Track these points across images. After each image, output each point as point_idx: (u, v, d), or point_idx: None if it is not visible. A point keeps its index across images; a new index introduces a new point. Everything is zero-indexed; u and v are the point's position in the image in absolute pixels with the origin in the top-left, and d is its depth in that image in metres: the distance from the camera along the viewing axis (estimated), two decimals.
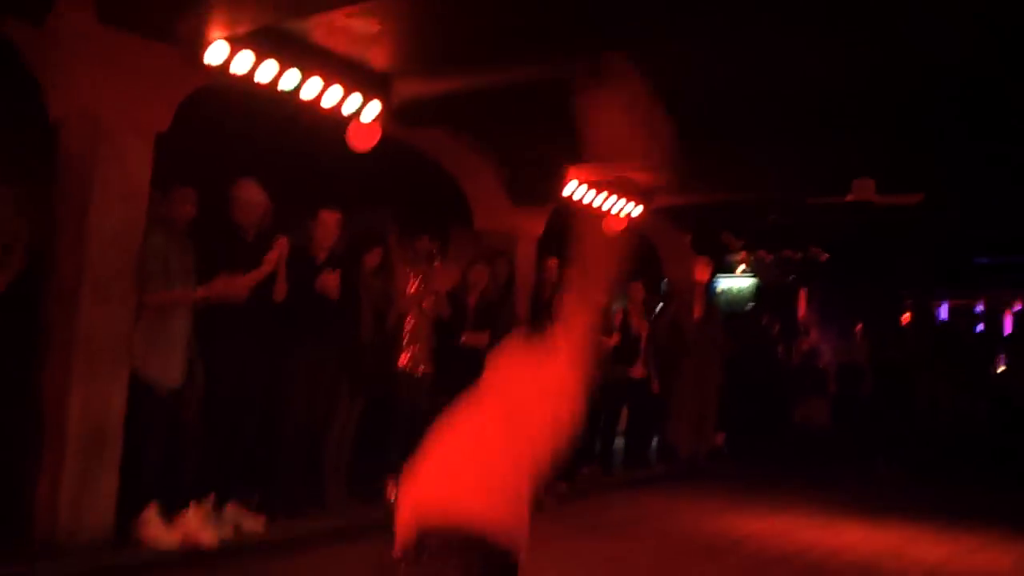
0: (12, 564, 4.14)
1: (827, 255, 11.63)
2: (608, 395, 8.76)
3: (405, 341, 6.57)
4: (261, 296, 5.43)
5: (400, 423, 6.56)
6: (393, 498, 6.39)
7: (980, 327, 12.58)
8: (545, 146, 7.57)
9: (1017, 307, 12.70)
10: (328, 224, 5.89)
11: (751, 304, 12.16)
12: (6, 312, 4.42)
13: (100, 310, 4.73)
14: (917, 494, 8.97)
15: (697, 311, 10.58)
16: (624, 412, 9.29)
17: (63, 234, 4.77)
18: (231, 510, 5.29)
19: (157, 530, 4.78)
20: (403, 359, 6.55)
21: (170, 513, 4.90)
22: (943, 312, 13.68)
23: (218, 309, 5.24)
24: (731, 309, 11.93)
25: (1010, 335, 12.03)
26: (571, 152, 7.76)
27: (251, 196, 5.47)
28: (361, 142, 6.54)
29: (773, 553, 6.16)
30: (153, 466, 4.88)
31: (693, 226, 10.37)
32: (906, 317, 11.93)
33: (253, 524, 5.33)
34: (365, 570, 4.90)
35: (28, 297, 4.69)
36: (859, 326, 11.97)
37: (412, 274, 6.68)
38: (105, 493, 4.70)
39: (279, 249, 5.40)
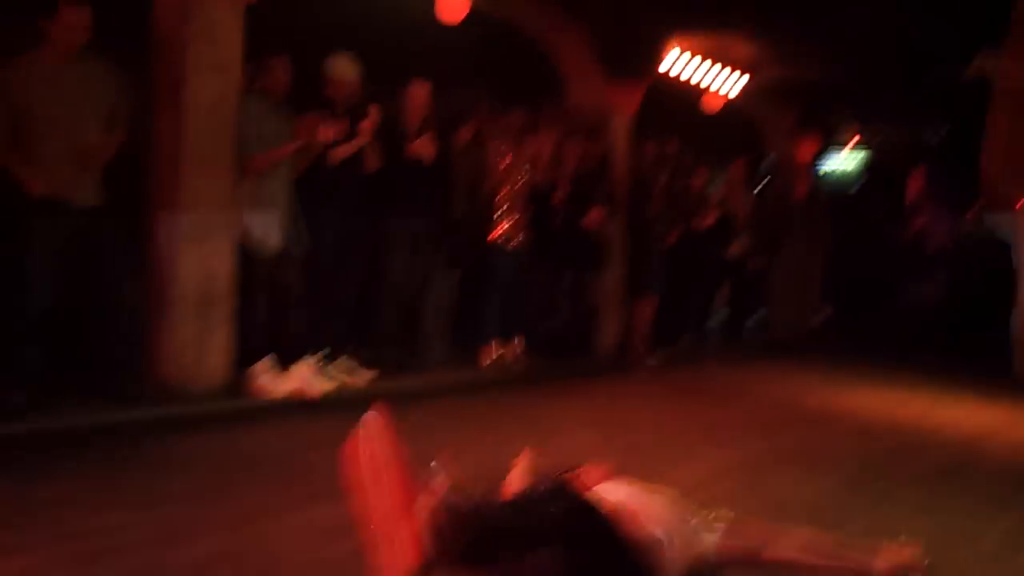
0: (135, 409, 4.41)
1: (942, 134, 11.01)
2: (709, 272, 8.66)
3: (498, 215, 6.57)
4: (355, 168, 5.49)
5: (494, 295, 6.64)
6: (488, 362, 6.55)
7: None
8: (643, 14, 7.28)
9: None
10: (419, 95, 5.86)
11: (859, 185, 11.65)
12: (115, 181, 4.58)
13: (202, 178, 4.87)
14: None
15: (801, 191, 10.22)
16: (726, 286, 9.19)
17: (162, 107, 4.90)
18: (338, 365, 5.51)
19: (269, 381, 5.02)
20: (496, 232, 6.57)
21: (281, 366, 5.12)
22: None
23: (317, 180, 5.35)
24: (837, 190, 11.47)
25: None
26: (671, 20, 7.46)
27: (343, 72, 5.48)
28: (451, 14, 6.44)
29: (876, 425, 6.05)
30: (262, 323, 5.09)
31: (799, 102, 9.89)
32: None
33: (358, 379, 5.53)
34: (463, 421, 5.11)
35: (133, 167, 4.86)
36: (972, 209, 11.36)
37: (504, 148, 6.62)
38: (218, 347, 4.95)
39: (372, 118, 5.43)
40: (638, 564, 2.22)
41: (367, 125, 5.41)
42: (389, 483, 2.31)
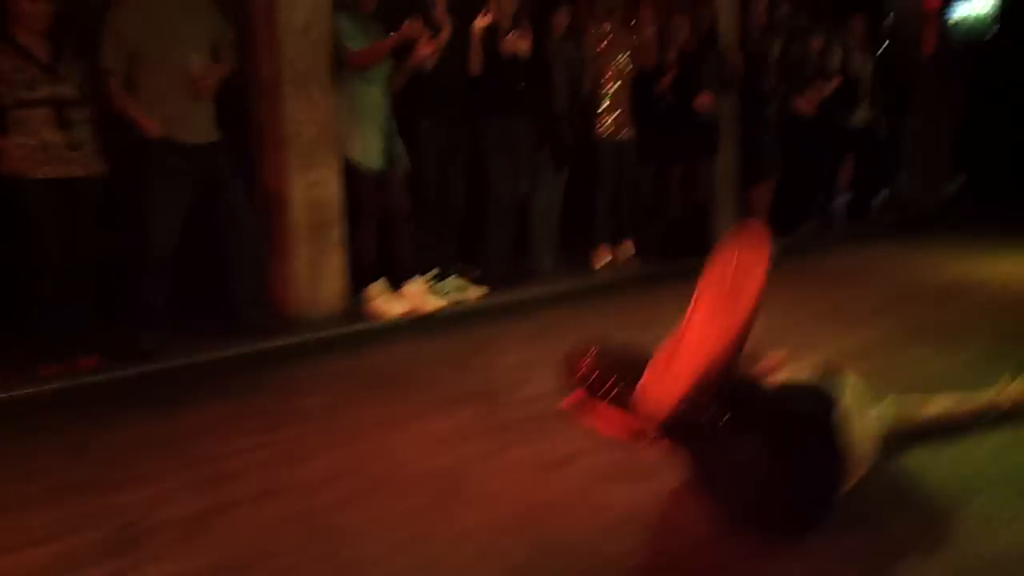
0: (257, 340, 4.59)
1: None
2: (830, 143, 8.18)
3: (604, 106, 6.38)
4: (450, 73, 5.41)
5: (603, 195, 6.51)
6: (599, 266, 6.49)
7: None
8: None
9: None
10: None
11: (993, 31, 10.67)
12: (227, 114, 4.65)
13: (303, 103, 4.91)
14: None
15: (929, 44, 9.45)
16: (849, 161, 8.67)
17: (257, 32, 4.92)
18: (451, 282, 5.57)
19: (383, 302, 5.12)
20: (603, 125, 6.39)
21: (395, 287, 5.22)
22: None
23: (414, 93, 5.30)
24: (970, 39, 10.55)
25: None
26: None
27: None
28: None
29: (1013, 296, 5.69)
30: (372, 245, 5.16)
31: None
32: None
33: (472, 294, 5.59)
34: (580, 329, 5.10)
35: (241, 94, 4.94)
36: None
37: (603, 33, 6.38)
38: (333, 273, 5.07)
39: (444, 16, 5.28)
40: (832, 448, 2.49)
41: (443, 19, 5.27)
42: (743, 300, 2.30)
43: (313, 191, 4.98)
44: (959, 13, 10.62)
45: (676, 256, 6.72)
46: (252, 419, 3.69)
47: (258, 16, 4.89)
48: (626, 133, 6.48)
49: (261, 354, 4.51)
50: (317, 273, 5.03)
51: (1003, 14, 10.59)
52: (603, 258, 6.54)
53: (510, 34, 5.59)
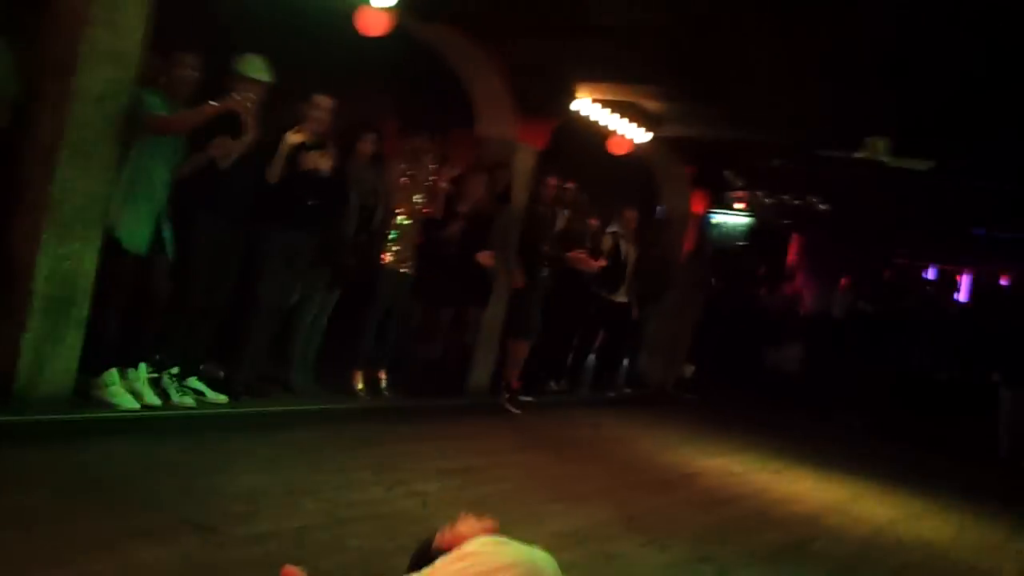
0: None
1: (826, 205, 11.54)
2: (588, 315, 8.81)
3: (391, 238, 6.50)
4: (246, 173, 5.33)
5: (375, 318, 6.56)
6: (354, 392, 6.48)
7: (961, 296, 12.62)
8: (557, 59, 7.37)
9: (1004, 280, 12.69)
10: (321, 107, 5.71)
11: (742, 243, 12.10)
12: None
13: (78, 171, 4.58)
14: (872, 451, 9.13)
15: (688, 243, 10.53)
16: (600, 334, 9.34)
17: (47, 92, 4.58)
18: (196, 381, 5.33)
19: (116, 392, 4.79)
20: (387, 256, 6.50)
21: (134, 377, 4.91)
22: (930, 275, 13.70)
23: (203, 183, 5.16)
24: (722, 245, 11.88)
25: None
26: (581, 68, 7.58)
27: (255, 72, 5.28)
28: (370, 27, 6.33)
29: (722, 493, 6.28)
30: (115, 330, 4.86)
31: (696, 159, 10.20)
32: (888, 275, 11.95)
33: (216, 398, 5.37)
34: (316, 455, 5.02)
35: (8, 155, 4.57)
36: (845, 279, 12.00)
37: (405, 170, 6.57)
38: (67, 352, 4.67)
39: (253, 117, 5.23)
40: None
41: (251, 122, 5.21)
42: None
43: (63, 264, 4.63)
44: (718, 219, 11.97)
45: (427, 394, 6.87)
46: None
47: (53, 75, 4.57)
48: (408, 267, 6.62)
49: None
50: (50, 350, 4.62)
51: (752, 231, 12.06)
52: (359, 384, 6.52)
53: (313, 152, 5.61)
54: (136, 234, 4.86)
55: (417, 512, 4.42)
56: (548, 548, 3.84)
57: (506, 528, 4.25)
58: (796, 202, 11.44)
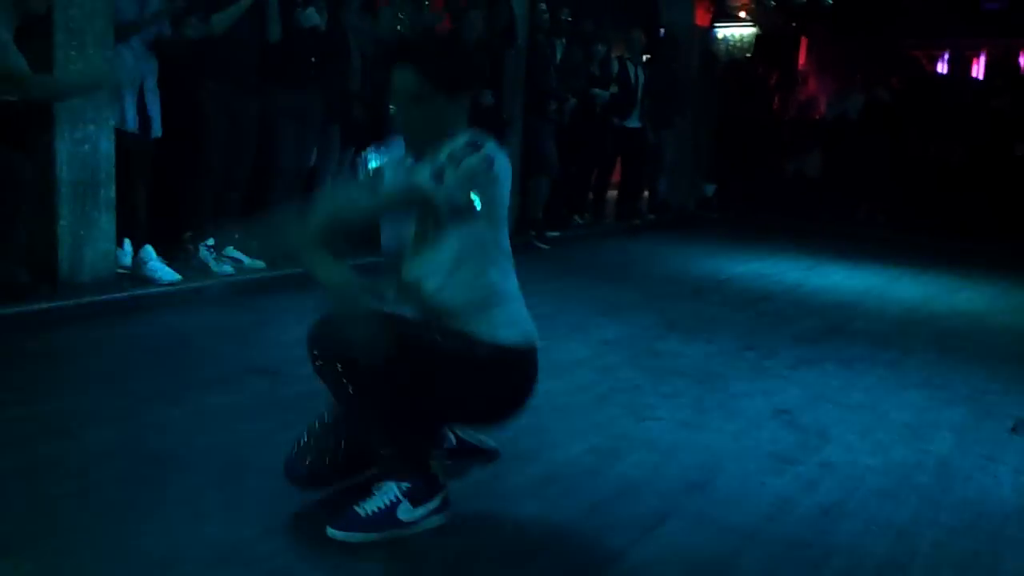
0: (18, 303, 4.25)
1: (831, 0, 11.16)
2: (604, 146, 8.73)
3: None
4: (246, 37, 5.24)
5: None
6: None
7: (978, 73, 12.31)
8: None
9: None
10: None
11: (750, 53, 11.79)
12: None
13: (75, 54, 4.56)
14: (900, 241, 9.18)
15: (696, 59, 10.29)
16: (619, 163, 9.29)
17: None
18: (233, 250, 5.43)
19: (157, 268, 4.90)
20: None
21: (170, 252, 5.01)
22: (943, 63, 13.34)
23: (204, 51, 5.09)
24: (730, 58, 11.59)
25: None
26: None
27: None
28: None
29: (757, 292, 6.39)
30: (142, 207, 4.92)
31: None
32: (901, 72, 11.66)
33: (254, 264, 5.48)
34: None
35: None
36: (857, 77, 11.72)
37: (400, 14, 6.41)
38: (102, 235, 4.77)
39: None
40: None
41: None
42: None
43: (81, 148, 4.65)
44: (723, 33, 11.63)
45: None
46: (14, 388, 3.42)
47: None
48: None
49: (21, 318, 4.17)
50: (84, 235, 4.71)
51: (759, 39, 11.72)
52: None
53: (307, 6, 5.48)
54: (127, 110, 4.86)
55: None
56: (597, 350, 3.99)
57: (556, 341, 4.42)
58: (801, 1, 11.05)
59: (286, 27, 5.41)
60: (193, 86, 5.12)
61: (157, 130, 5.04)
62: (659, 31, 10.14)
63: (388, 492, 2.39)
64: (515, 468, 2.95)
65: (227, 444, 3.00)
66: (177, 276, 4.94)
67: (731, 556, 2.48)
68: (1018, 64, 12.17)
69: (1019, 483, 3.12)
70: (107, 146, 4.75)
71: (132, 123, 4.92)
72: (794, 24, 12.21)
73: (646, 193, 9.97)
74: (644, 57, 9.06)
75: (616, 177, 9.46)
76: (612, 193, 9.60)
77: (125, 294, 4.73)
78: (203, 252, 5.23)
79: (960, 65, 12.90)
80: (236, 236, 5.54)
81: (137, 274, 4.90)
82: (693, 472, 3.04)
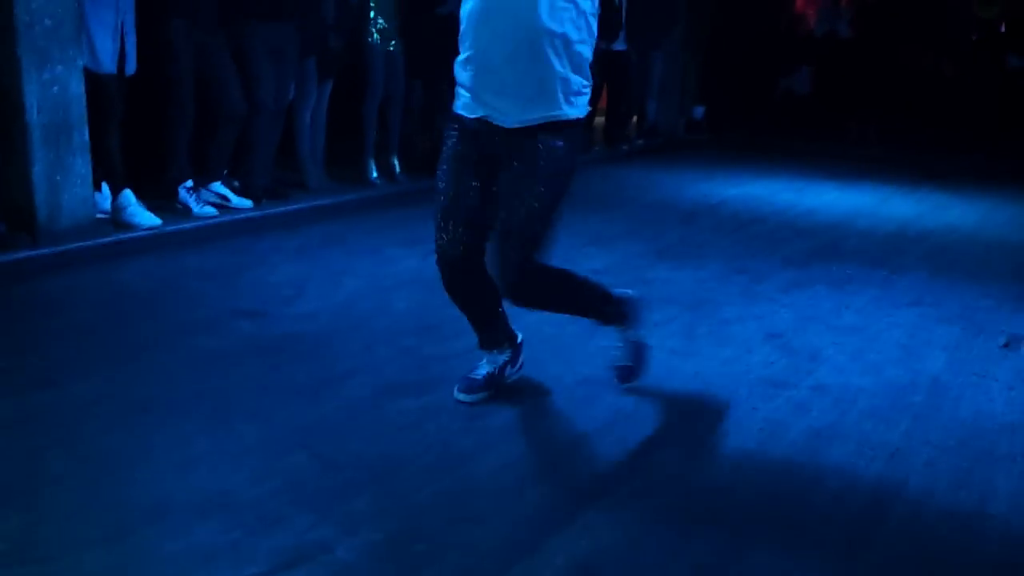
0: None
1: None
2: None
3: (372, 16, 6.22)
4: None
5: (374, 104, 6.42)
6: (374, 177, 6.46)
7: None
8: None
9: None
10: None
11: None
12: None
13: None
14: (892, 158, 9.08)
15: None
16: (604, 88, 9.10)
17: None
18: (221, 187, 5.34)
19: (137, 212, 4.81)
20: (372, 34, 6.25)
21: (152, 196, 4.92)
22: None
23: None
24: None
25: None
26: None
27: None
28: None
29: (748, 215, 6.32)
30: (117, 150, 4.80)
31: None
32: None
33: (242, 203, 5.40)
34: (352, 238, 5.09)
35: None
36: None
37: None
38: (78, 180, 4.65)
39: None
40: None
41: None
42: None
43: (50, 90, 4.51)
44: None
45: None
46: (1, 337, 3.39)
47: None
48: (396, 43, 6.39)
49: (0, 268, 4.10)
50: (60, 180, 4.59)
51: None
52: (371, 172, 6.49)
53: None
54: (94, 54, 4.69)
55: None
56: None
57: None
58: None
59: None
60: (162, 25, 4.94)
61: (132, 67, 4.89)
62: None
63: (494, 360, 2.99)
64: (508, 400, 2.93)
65: (214, 389, 2.97)
66: (158, 220, 4.85)
67: (725, 482, 2.47)
68: None
69: (1011, 399, 3.12)
70: (77, 87, 4.60)
71: (108, 64, 4.75)
72: None
73: (635, 118, 9.81)
74: None
75: (604, 103, 9.28)
76: (599, 119, 9.45)
77: (107, 240, 4.65)
78: (183, 194, 5.13)
79: None
80: (224, 173, 5.44)
81: (117, 220, 4.80)
82: (685, 400, 3.04)
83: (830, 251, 5.27)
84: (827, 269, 4.80)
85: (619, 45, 8.72)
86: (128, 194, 4.84)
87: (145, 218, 4.83)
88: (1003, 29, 10.04)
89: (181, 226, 4.97)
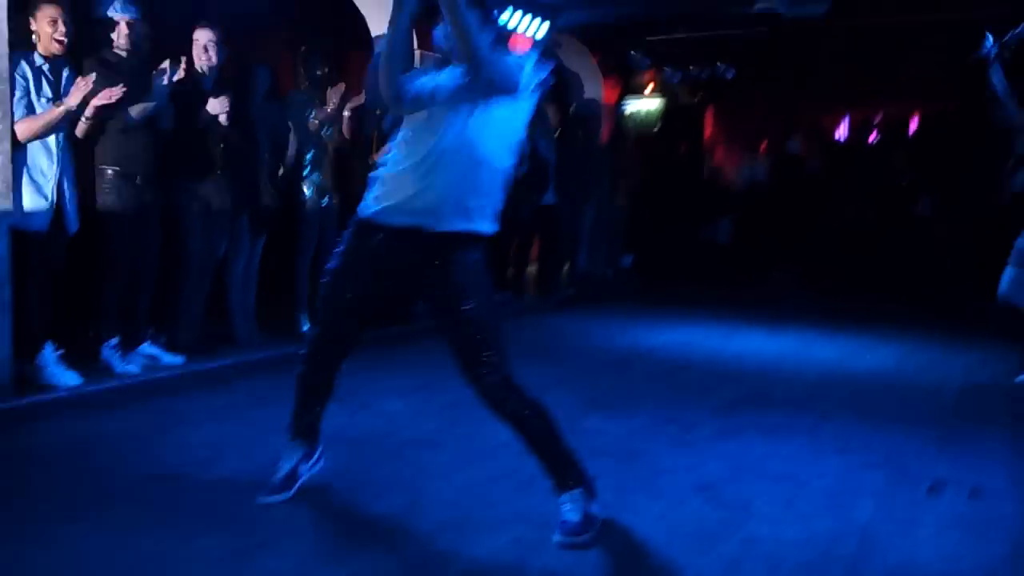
0: None
1: (733, 72, 11.58)
2: (520, 223, 8.78)
3: (306, 171, 6.36)
4: (150, 128, 5.14)
5: (307, 257, 6.46)
6: (304, 331, 6.42)
7: (873, 137, 12.87)
8: None
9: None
10: (202, 43, 5.48)
11: (659, 125, 12.13)
12: None
13: None
14: (812, 302, 9.41)
15: (606, 133, 10.53)
16: (535, 239, 9.34)
17: None
18: (150, 347, 5.25)
19: (58, 372, 4.67)
20: (306, 191, 6.36)
21: (73, 354, 4.80)
22: (844, 127, 13.93)
23: (107, 144, 4.98)
24: (639, 131, 11.90)
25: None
26: None
27: (118, 13, 5.04)
28: None
29: (677, 362, 6.42)
30: (42, 309, 4.70)
31: (600, 44, 10.11)
32: (802, 135, 12.16)
33: (173, 360, 5.30)
34: (279, 394, 4.97)
35: None
36: (763, 145, 12.16)
37: (310, 100, 6.38)
38: None
39: (167, 77, 5.02)
40: None
41: (163, 83, 5.00)
42: None
43: None
44: (631, 107, 11.95)
45: (374, 324, 6.82)
46: None
47: None
48: (330, 199, 6.50)
49: None
50: None
51: (666, 112, 12.08)
52: (301, 325, 6.45)
53: (208, 99, 5.41)
54: (28, 211, 4.67)
55: (385, 429, 4.46)
56: (514, 438, 3.90)
57: (474, 427, 4.33)
58: (704, 74, 11.45)
59: (186, 116, 5.32)
60: (94, 180, 4.97)
61: (74, 225, 4.85)
62: (569, 108, 10.36)
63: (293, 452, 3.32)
64: (436, 563, 2.84)
65: (124, 563, 2.81)
66: (78, 379, 4.71)
67: None
68: (907, 126, 12.81)
69: (939, 545, 3.14)
70: (2, 246, 4.55)
71: (40, 222, 4.71)
72: (699, 97, 12.63)
73: (566, 267, 10.04)
74: (555, 134, 9.20)
75: (535, 254, 9.51)
76: (531, 269, 9.65)
77: (21, 402, 4.48)
78: (106, 352, 5.02)
79: (859, 131, 13.46)
80: (151, 331, 5.35)
81: (37, 379, 4.65)
82: (617, 559, 2.98)
83: (758, 397, 5.35)
84: (755, 416, 4.85)
85: (549, 198, 9.02)
86: (47, 353, 4.70)
87: (65, 377, 4.69)
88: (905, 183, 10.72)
89: (102, 386, 4.83)
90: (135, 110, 4.94)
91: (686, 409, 4.97)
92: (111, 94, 4.69)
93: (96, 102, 4.69)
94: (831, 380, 5.94)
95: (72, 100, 4.58)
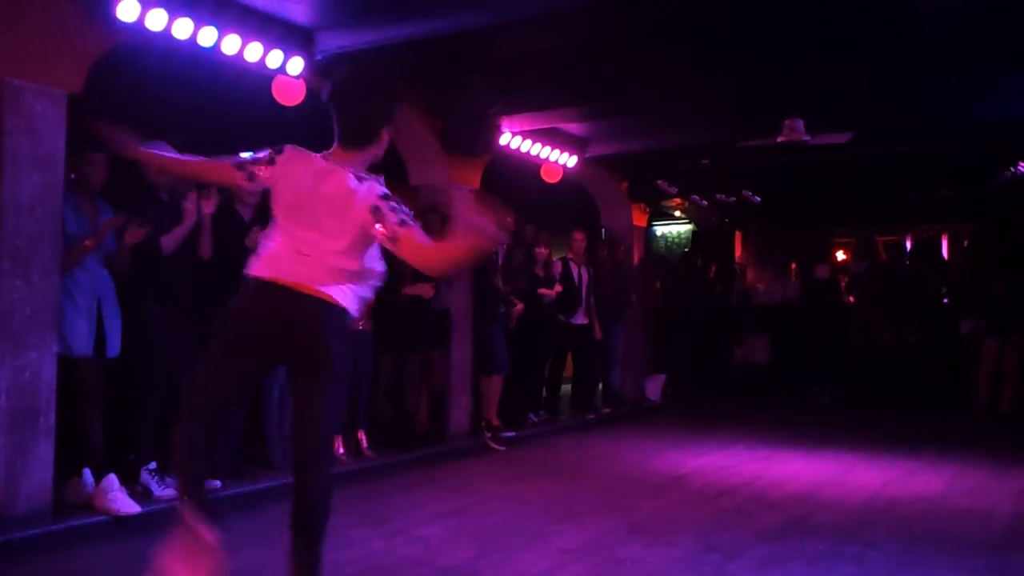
0: None
1: (760, 198, 11.81)
2: (553, 343, 8.86)
3: None
4: (189, 257, 5.32)
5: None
6: (340, 453, 6.42)
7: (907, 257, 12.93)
8: (476, 97, 7.50)
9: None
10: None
11: (688, 248, 12.30)
12: None
13: (19, 282, 4.56)
14: (854, 424, 9.25)
15: (636, 256, 10.68)
16: (569, 359, 9.39)
17: None
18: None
19: (117, 497, 4.71)
20: None
21: (114, 480, 4.83)
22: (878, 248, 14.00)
23: (148, 273, 5.16)
24: (669, 254, 12.05)
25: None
26: (502, 103, 7.73)
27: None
28: (287, 97, 6.40)
29: (717, 486, 6.30)
30: (94, 434, 4.79)
31: (628, 173, 10.40)
32: (837, 257, 12.24)
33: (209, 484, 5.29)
34: None
35: None
36: (793, 265, 12.26)
37: None
38: (39, 464, 4.58)
39: (194, 201, 5.24)
40: None
41: (192, 207, 5.24)
42: None
43: (21, 376, 4.56)
44: (661, 230, 12.16)
45: (410, 446, 6.84)
46: None
47: None
48: (364, 324, 6.61)
49: None
50: (20, 465, 4.52)
51: (694, 236, 12.27)
52: (338, 448, 6.45)
53: (252, 232, 5.60)
54: (72, 337, 4.82)
55: (420, 556, 4.39)
56: (557, 563, 3.86)
57: (512, 553, 4.27)
58: (731, 199, 11.67)
59: (221, 244, 5.51)
60: (138, 308, 5.12)
61: (115, 349, 4.99)
62: (600, 232, 10.57)
63: None
64: None
65: None
66: (136, 508, 4.74)
67: None
68: (940, 246, 12.87)
69: None
70: (49, 371, 4.66)
71: (84, 347, 4.86)
72: (727, 220, 12.84)
73: (600, 387, 10.02)
74: (586, 256, 9.38)
75: (569, 371, 9.53)
76: (566, 388, 9.64)
77: (59, 527, 4.49)
78: (145, 476, 5.05)
79: (892, 252, 13.55)
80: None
81: (99, 504, 4.68)
82: None
83: (801, 524, 5.22)
84: (800, 544, 4.73)
85: (579, 319, 9.11)
86: (112, 479, 4.75)
87: (124, 504, 4.72)
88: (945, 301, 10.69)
89: (141, 510, 4.83)
90: (168, 239, 5.15)
91: (728, 537, 4.86)
92: (138, 234, 4.96)
93: (128, 241, 4.95)
94: (876, 505, 5.79)
95: (97, 239, 4.87)
